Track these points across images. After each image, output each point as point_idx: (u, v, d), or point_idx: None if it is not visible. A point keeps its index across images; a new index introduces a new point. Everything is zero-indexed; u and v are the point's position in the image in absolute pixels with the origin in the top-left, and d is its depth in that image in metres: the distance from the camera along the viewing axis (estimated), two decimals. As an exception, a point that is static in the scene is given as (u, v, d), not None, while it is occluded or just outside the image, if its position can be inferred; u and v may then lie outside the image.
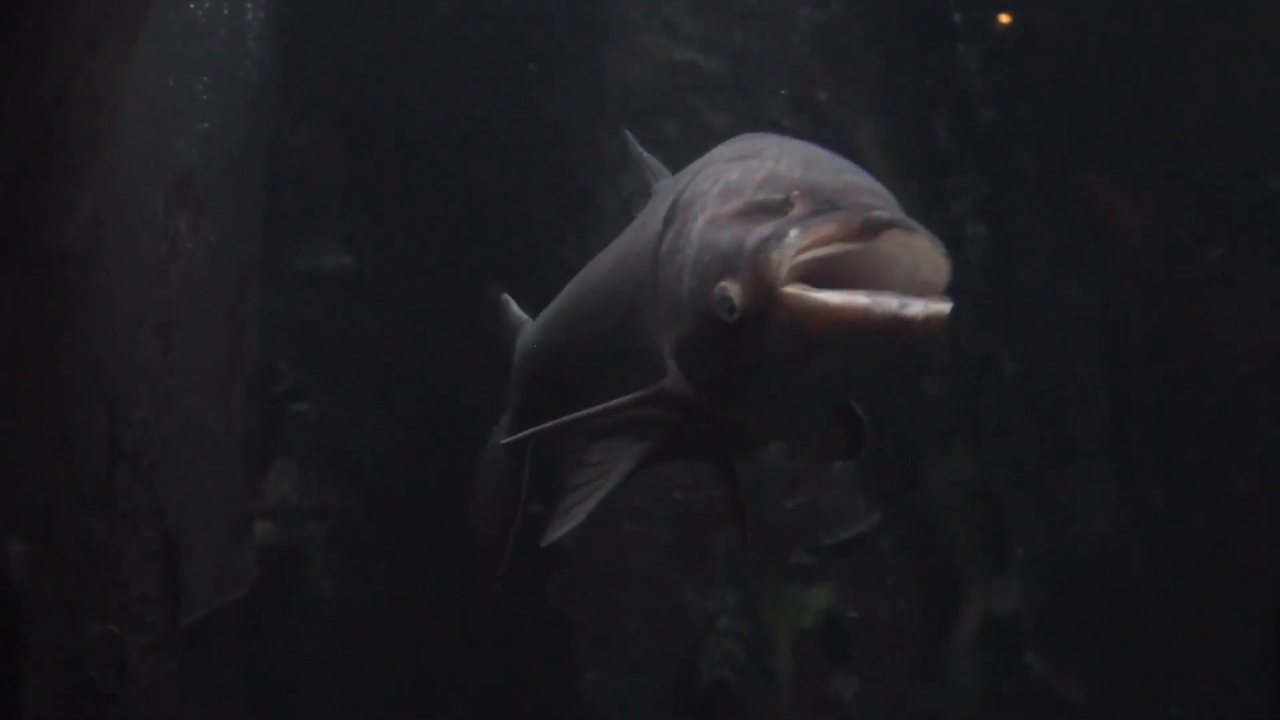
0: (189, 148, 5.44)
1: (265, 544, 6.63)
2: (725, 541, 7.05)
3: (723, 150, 3.91)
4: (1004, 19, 7.23)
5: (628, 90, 7.25)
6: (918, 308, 3.04)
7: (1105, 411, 7.29)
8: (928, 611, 7.03)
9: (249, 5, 5.95)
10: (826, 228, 3.14)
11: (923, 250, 3.14)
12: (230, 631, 6.07)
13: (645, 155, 4.57)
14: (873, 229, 3.10)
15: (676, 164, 7.15)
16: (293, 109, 6.85)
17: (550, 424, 4.02)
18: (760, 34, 7.30)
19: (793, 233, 3.19)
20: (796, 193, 3.30)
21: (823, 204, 3.23)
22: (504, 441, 4.61)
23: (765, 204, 3.38)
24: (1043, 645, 6.88)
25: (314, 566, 6.90)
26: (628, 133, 4.72)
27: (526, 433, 4.18)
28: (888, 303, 3.05)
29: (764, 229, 3.29)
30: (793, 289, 3.15)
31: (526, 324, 5.26)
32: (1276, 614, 2.95)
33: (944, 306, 3.08)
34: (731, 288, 3.30)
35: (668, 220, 3.76)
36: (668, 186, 4.19)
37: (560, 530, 3.90)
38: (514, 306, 5.49)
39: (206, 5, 5.54)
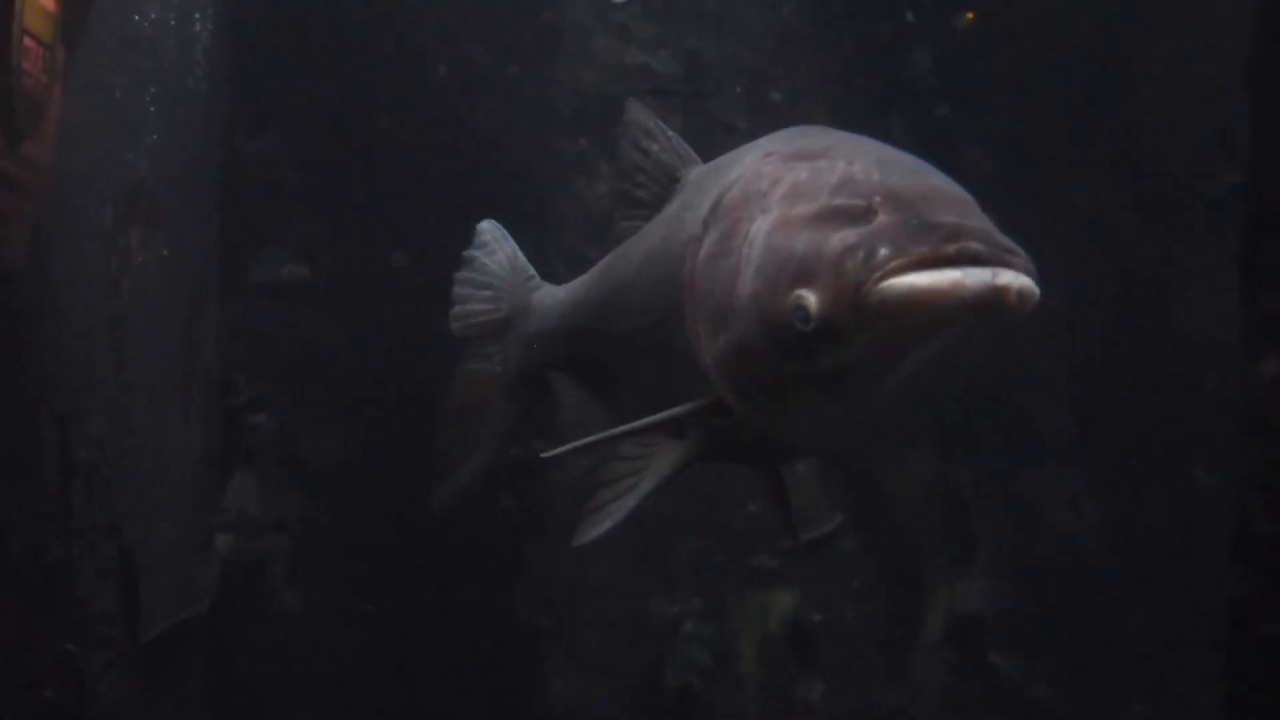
0: (138, 160, 5.40)
1: (226, 558, 6.59)
2: (689, 547, 7.03)
3: (768, 144, 3.79)
4: (968, 16, 7.23)
5: (582, 94, 7.23)
6: (1008, 276, 2.95)
7: (1069, 409, 7.29)
8: (893, 613, 7.02)
9: (197, 16, 5.91)
10: (921, 250, 3.02)
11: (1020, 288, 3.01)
12: (192, 647, 6.02)
13: (672, 134, 4.33)
14: (966, 261, 2.99)
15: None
16: (246, 120, 6.80)
17: (598, 436, 3.85)
18: (713, 36, 7.28)
19: (884, 250, 3.05)
20: (878, 199, 3.17)
21: (909, 216, 3.09)
22: (546, 455, 4.07)
23: (844, 209, 3.23)
24: (1008, 645, 6.88)
25: (276, 579, 6.86)
26: (637, 102, 4.47)
27: (570, 446, 3.92)
28: (978, 273, 2.95)
29: (847, 235, 3.15)
30: (886, 282, 3.02)
31: (542, 289, 5.04)
32: (1227, 610, 2.92)
33: (1033, 283, 2.99)
34: (808, 295, 3.15)
35: (709, 222, 3.65)
36: (703, 178, 4.03)
37: (596, 531, 3.81)
38: (510, 253, 5.24)
39: (153, 17, 5.51)
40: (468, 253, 5.25)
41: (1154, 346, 6.92)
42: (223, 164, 6.27)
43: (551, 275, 7.05)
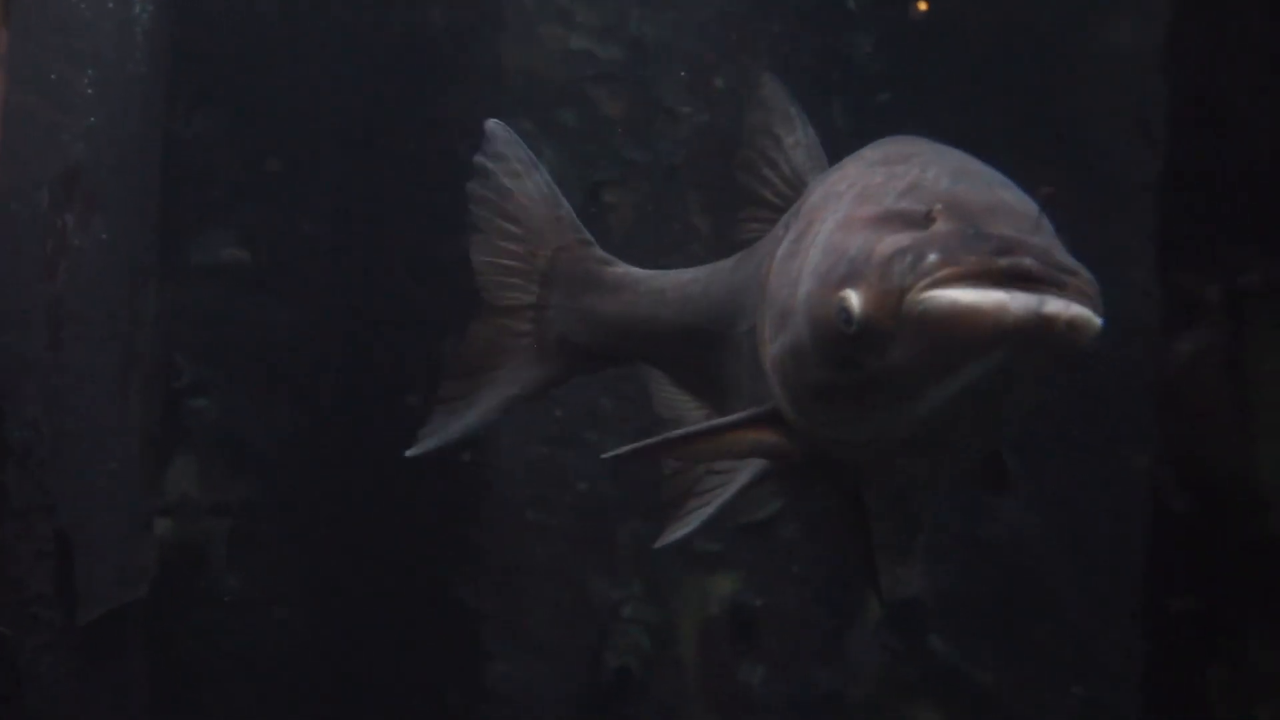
0: (75, 142, 5.39)
1: (166, 541, 6.58)
2: (631, 529, 7.05)
3: (867, 152, 3.62)
4: (921, 6, 7.25)
5: (526, 79, 7.23)
6: (1057, 305, 2.79)
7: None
8: (834, 598, 7.04)
9: (137, -2, 5.90)
10: (970, 261, 2.88)
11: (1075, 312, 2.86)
12: (132, 630, 6.02)
13: (809, 128, 4.03)
14: (1016, 277, 2.84)
15: (577, 153, 7.20)
16: (185, 102, 6.78)
17: (655, 440, 3.69)
18: (655, 22, 7.28)
19: (932, 256, 2.92)
20: (939, 206, 3.05)
21: (966, 225, 2.97)
22: (607, 455, 3.82)
23: (904, 213, 3.11)
24: (947, 628, 6.91)
25: (217, 563, 6.86)
26: (773, 78, 4.17)
27: (630, 447, 3.68)
28: (1024, 299, 2.79)
29: (900, 239, 3.03)
30: (929, 293, 2.88)
31: (617, 265, 4.48)
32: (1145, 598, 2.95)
33: (1088, 312, 2.82)
34: (852, 296, 3.02)
35: (787, 224, 3.55)
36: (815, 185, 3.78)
37: (677, 535, 3.72)
38: (546, 188, 4.46)
39: (90, -1, 5.50)
40: (482, 162, 4.46)
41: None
42: (162, 147, 6.25)
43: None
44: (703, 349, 4.06)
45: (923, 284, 2.89)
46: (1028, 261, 2.85)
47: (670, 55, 7.29)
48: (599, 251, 4.42)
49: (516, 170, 4.41)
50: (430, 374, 6.95)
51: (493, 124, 4.47)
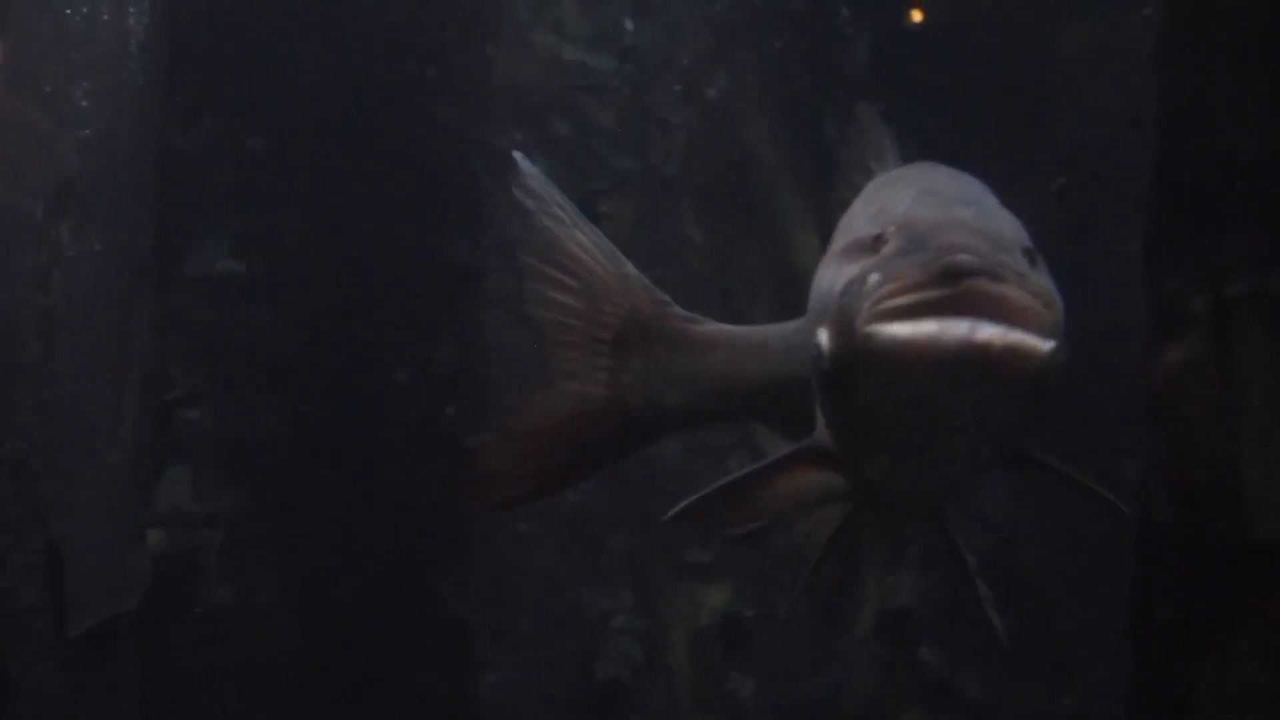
0: (69, 154, 5.40)
1: (159, 552, 6.58)
2: (622, 540, 7.06)
3: (871, 184, 3.72)
4: (917, 16, 7.26)
5: (518, 89, 7.25)
6: (990, 332, 2.82)
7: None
8: (824, 608, 7.05)
9: (131, 10, 5.90)
10: (906, 273, 2.93)
11: (1014, 298, 2.92)
12: (125, 641, 6.02)
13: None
14: (953, 275, 2.88)
15: (570, 163, 7.22)
16: (181, 113, 6.79)
17: (713, 486, 3.67)
18: (649, 32, 7.32)
19: (872, 278, 2.99)
20: (893, 228, 3.11)
21: (911, 242, 3.03)
22: (667, 517, 3.76)
23: (862, 241, 3.18)
24: (937, 639, 6.91)
25: (210, 573, 6.86)
26: (868, 106, 4.19)
27: (685, 503, 3.68)
28: (956, 327, 2.83)
29: (851, 270, 3.10)
30: (869, 329, 2.93)
31: (705, 324, 4.20)
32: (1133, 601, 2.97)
33: (1027, 338, 2.86)
34: (822, 335, 3.12)
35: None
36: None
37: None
38: (603, 246, 4.13)
39: (85, 10, 5.50)
40: (520, 199, 4.14)
41: (1085, 336, 6.97)
42: (157, 158, 6.26)
43: (488, 268, 7.12)
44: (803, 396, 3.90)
45: (869, 307, 2.94)
46: (962, 258, 2.89)
47: (663, 65, 7.31)
48: (679, 310, 4.16)
49: (559, 215, 4.10)
50: (424, 384, 7.00)
51: (520, 156, 4.23)
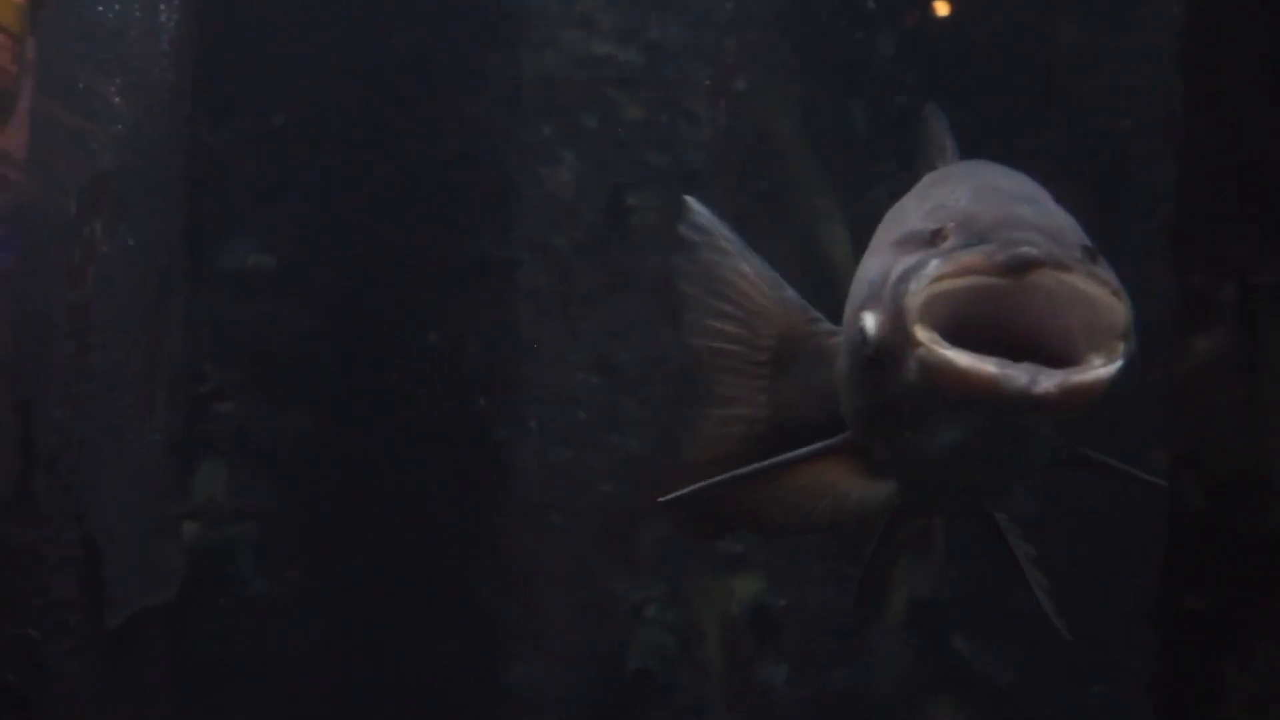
0: (102, 150, 5.43)
1: (193, 545, 6.62)
2: (653, 532, 7.07)
3: (926, 179, 3.70)
4: (942, 9, 7.25)
5: (546, 84, 7.26)
6: (1050, 384, 2.76)
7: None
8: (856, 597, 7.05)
9: (163, 6, 5.93)
10: (969, 259, 2.90)
11: (1081, 291, 2.88)
12: (158, 634, 6.05)
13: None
14: (1018, 265, 2.85)
15: (599, 157, 7.23)
16: (211, 109, 6.82)
17: (727, 475, 3.61)
18: (676, 25, 7.32)
19: (933, 263, 2.95)
20: (953, 224, 3.07)
21: (973, 236, 2.98)
22: (663, 500, 3.71)
23: (919, 234, 3.14)
24: (969, 628, 6.91)
25: (244, 567, 6.89)
26: (935, 107, 4.13)
27: (691, 489, 3.63)
28: (1016, 378, 2.77)
29: (910, 259, 3.05)
30: (924, 334, 2.89)
31: None
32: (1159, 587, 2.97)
33: (1089, 375, 2.82)
34: (868, 318, 3.07)
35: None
36: None
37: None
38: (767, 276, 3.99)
39: (117, 7, 5.54)
40: (686, 234, 4.04)
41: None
42: (188, 154, 6.28)
43: (516, 262, 7.15)
44: None
45: (923, 287, 2.91)
46: (1027, 250, 2.86)
47: (690, 59, 7.32)
48: (828, 325, 4.02)
49: (724, 247, 4.02)
50: (454, 377, 7.03)
51: (691, 200, 4.08)
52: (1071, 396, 2.79)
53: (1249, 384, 2.74)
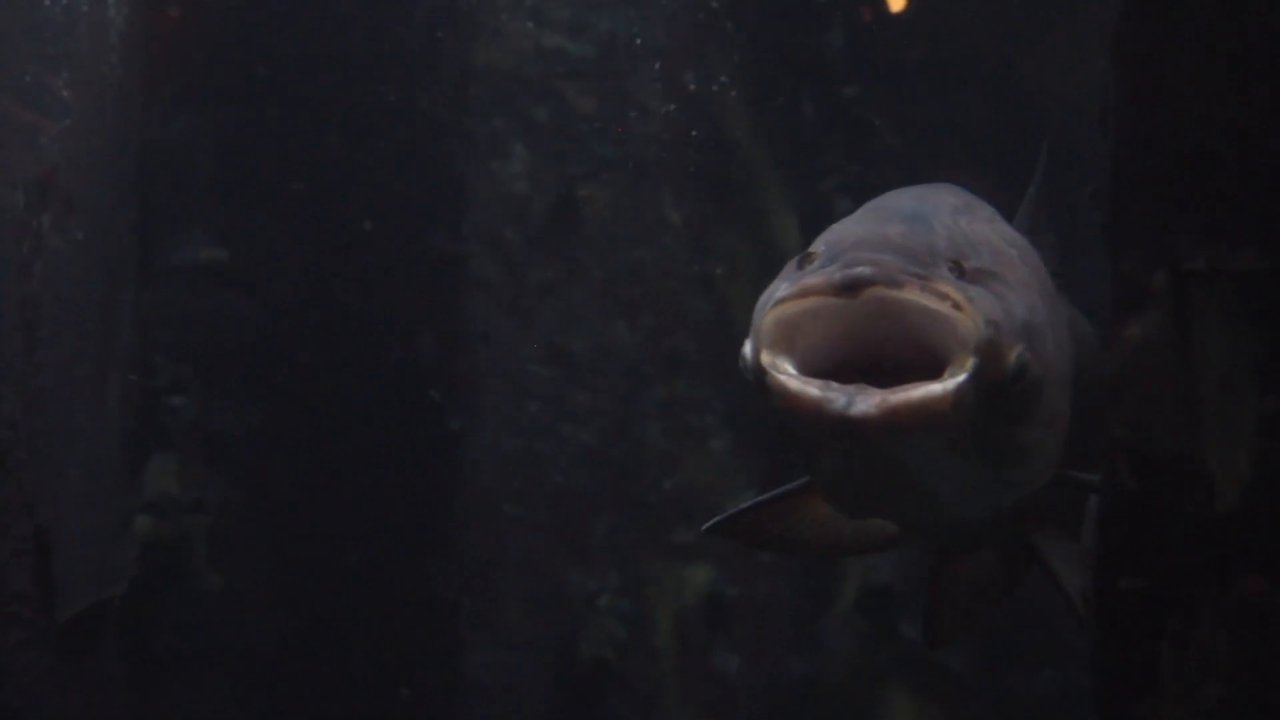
0: (50, 145, 5.43)
1: (146, 539, 6.61)
2: (606, 521, 7.09)
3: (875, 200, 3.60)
4: (895, 3, 7.26)
5: (497, 77, 7.27)
6: (867, 405, 2.72)
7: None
8: (806, 587, 7.08)
9: (110, 1, 5.93)
10: (810, 280, 2.87)
11: (918, 306, 2.85)
12: (112, 627, 6.06)
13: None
14: (850, 285, 2.82)
15: (550, 149, 7.24)
16: (161, 103, 6.80)
17: (739, 507, 3.71)
18: (626, 18, 7.32)
19: (782, 287, 2.94)
20: (822, 247, 3.04)
21: (826, 259, 2.96)
22: (705, 528, 3.78)
23: (800, 259, 3.08)
24: (918, 615, 6.93)
25: (198, 560, 6.88)
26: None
27: (722, 516, 3.73)
28: (834, 399, 2.75)
29: (776, 284, 3.05)
30: (766, 358, 2.89)
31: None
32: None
33: (915, 394, 2.77)
34: (745, 346, 3.05)
35: None
36: None
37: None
38: None
39: (64, 2, 5.54)
40: None
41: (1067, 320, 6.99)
42: (139, 148, 6.28)
43: (468, 255, 7.16)
44: None
45: (768, 311, 2.91)
46: (860, 270, 2.83)
47: (640, 51, 7.33)
48: None
49: None
50: (407, 369, 7.04)
51: None
52: (893, 417, 2.75)
53: (1181, 370, 2.78)
